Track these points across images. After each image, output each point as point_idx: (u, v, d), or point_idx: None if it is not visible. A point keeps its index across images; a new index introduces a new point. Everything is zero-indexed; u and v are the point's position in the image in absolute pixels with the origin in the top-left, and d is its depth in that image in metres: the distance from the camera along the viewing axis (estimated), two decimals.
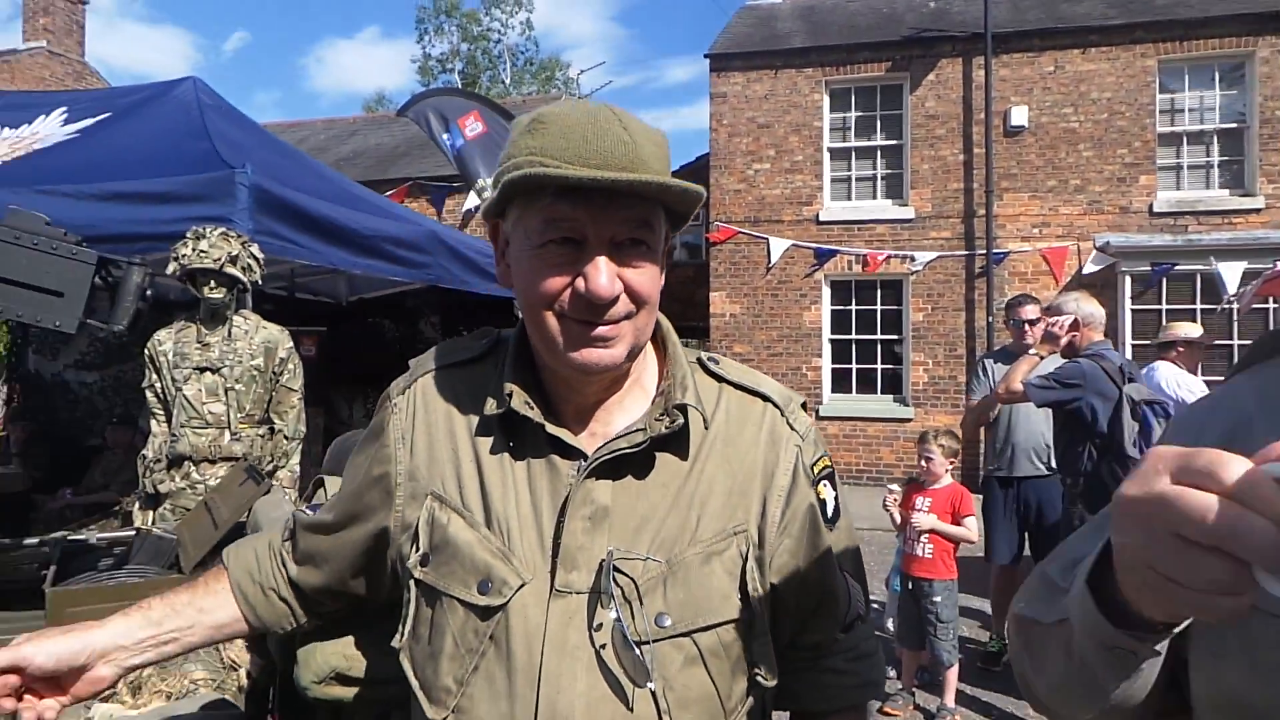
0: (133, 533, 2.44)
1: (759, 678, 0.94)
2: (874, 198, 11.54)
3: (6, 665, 0.94)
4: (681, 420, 0.93)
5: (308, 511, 1.05)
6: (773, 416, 1.00)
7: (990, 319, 10.63)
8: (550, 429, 0.93)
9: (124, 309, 1.59)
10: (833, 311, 11.46)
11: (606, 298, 0.86)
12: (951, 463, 4.05)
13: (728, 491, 0.94)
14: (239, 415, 3.63)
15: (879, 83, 11.49)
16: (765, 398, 1.01)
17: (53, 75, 15.97)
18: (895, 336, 11.29)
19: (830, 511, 1.01)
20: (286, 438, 3.73)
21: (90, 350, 7.91)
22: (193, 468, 3.59)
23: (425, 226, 5.59)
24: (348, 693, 1.11)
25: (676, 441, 0.94)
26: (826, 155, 11.52)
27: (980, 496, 4.65)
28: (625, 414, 0.98)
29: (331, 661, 1.11)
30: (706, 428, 0.97)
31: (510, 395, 0.93)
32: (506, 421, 0.95)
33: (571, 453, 0.94)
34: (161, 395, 3.71)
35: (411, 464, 0.98)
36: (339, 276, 7.02)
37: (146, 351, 3.72)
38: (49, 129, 5.10)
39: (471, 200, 12.70)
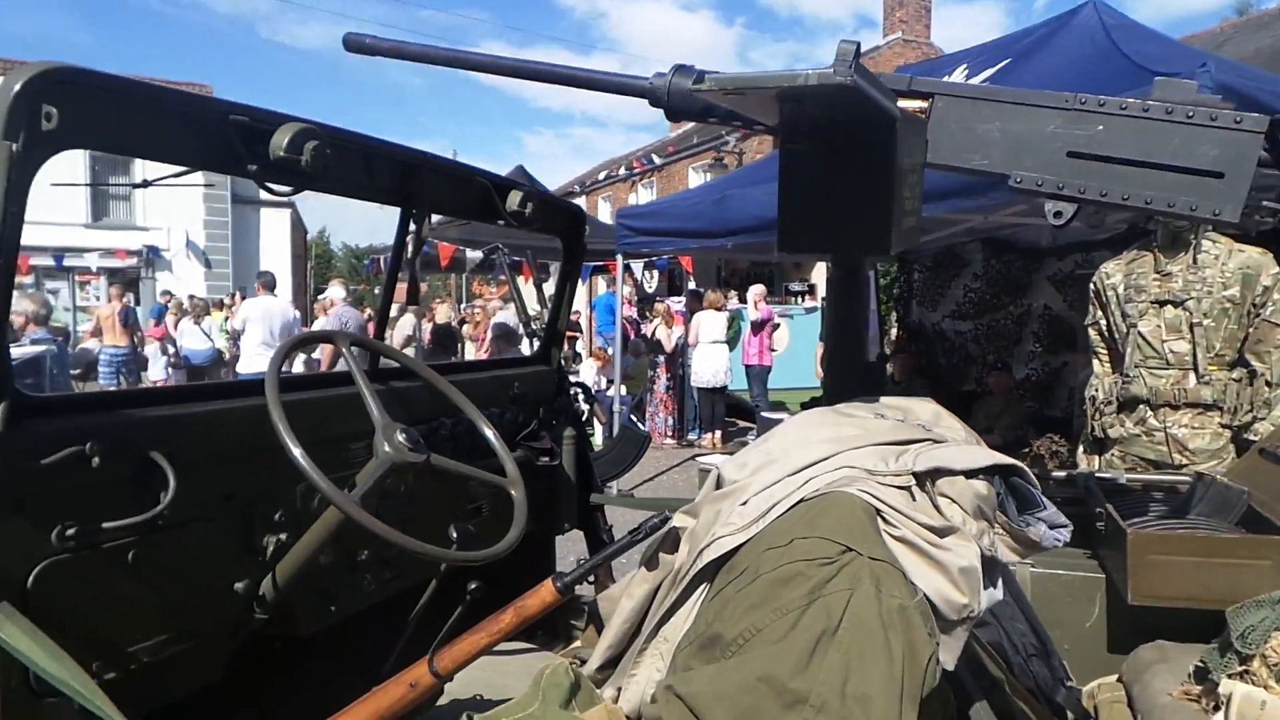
0: (1187, 479, 2.18)
1: None
2: None
3: None
4: None
5: None
6: None
7: None
8: None
9: None
10: None
11: None
12: None
13: None
14: (1207, 355, 3.12)
15: None
16: None
17: (905, 60, 17.72)
18: None
19: None
20: (1269, 383, 3.07)
21: (965, 302, 8.38)
22: (1149, 413, 3.23)
23: None
24: None
25: None
26: None
27: None
28: None
29: None
30: None
31: None
32: None
33: None
34: (1107, 333, 3.45)
35: None
36: None
37: (1092, 285, 3.49)
38: None
39: None
